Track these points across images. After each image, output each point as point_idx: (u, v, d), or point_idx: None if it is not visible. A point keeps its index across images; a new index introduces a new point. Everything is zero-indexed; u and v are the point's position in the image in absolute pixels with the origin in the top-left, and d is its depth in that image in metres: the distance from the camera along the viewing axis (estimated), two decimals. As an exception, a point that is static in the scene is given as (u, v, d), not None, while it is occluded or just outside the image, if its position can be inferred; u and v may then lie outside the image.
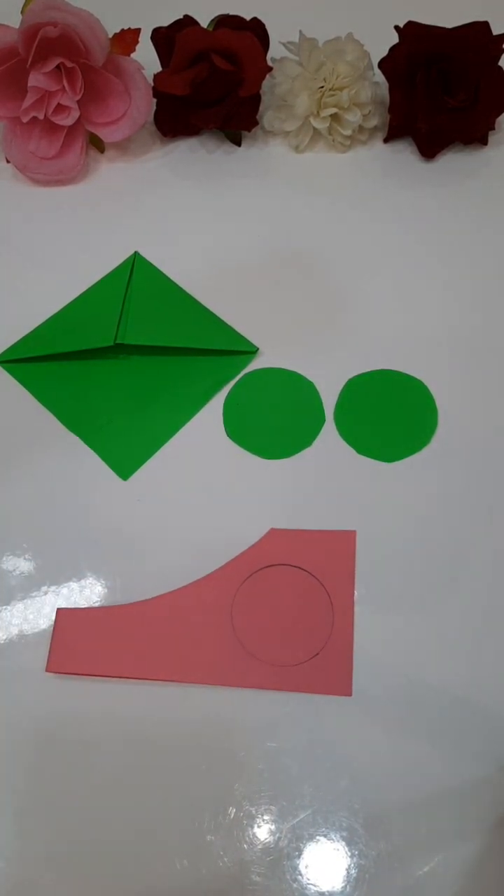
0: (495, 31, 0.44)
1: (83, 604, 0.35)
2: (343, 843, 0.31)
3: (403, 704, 0.33)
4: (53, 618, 0.35)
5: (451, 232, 0.45)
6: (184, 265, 0.44)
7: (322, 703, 0.33)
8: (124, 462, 0.39)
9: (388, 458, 0.38)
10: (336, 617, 0.35)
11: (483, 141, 0.47)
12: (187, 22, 0.45)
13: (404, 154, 0.48)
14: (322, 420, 0.39)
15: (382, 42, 0.45)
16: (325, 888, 0.30)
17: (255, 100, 0.46)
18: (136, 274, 0.43)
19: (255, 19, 0.45)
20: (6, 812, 0.32)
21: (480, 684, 0.33)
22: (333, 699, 0.33)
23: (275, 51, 0.46)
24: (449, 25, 0.44)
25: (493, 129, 0.47)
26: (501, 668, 0.34)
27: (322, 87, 0.45)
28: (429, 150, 0.47)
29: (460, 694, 0.33)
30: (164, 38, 0.44)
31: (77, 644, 0.34)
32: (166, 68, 0.44)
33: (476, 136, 0.47)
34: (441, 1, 0.48)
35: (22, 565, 0.36)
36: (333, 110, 0.45)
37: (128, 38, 0.45)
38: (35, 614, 0.35)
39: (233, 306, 0.42)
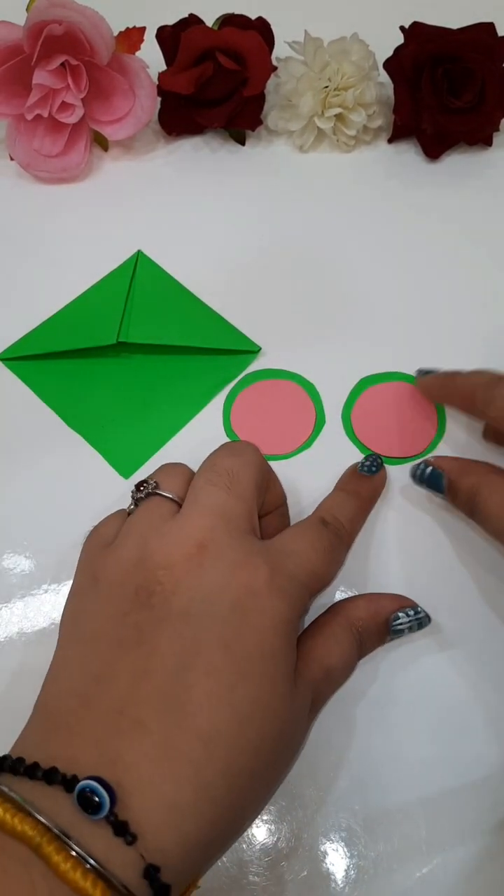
0: (501, 32, 0.44)
1: (84, 602, 0.35)
2: (342, 843, 0.31)
3: (403, 705, 0.33)
4: (53, 616, 0.35)
5: (455, 232, 0.45)
6: (187, 264, 0.44)
7: (322, 704, 0.33)
8: (126, 460, 0.39)
9: (393, 460, 0.38)
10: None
11: (487, 142, 0.47)
12: (192, 21, 0.45)
13: (408, 154, 0.48)
14: (322, 422, 0.39)
15: (388, 42, 0.45)
16: (323, 889, 0.30)
17: (260, 99, 0.46)
18: (139, 272, 0.43)
19: (260, 19, 0.45)
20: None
21: (481, 684, 0.33)
22: (333, 700, 0.33)
23: (280, 50, 0.46)
24: (455, 26, 0.44)
25: (498, 130, 0.47)
26: (502, 669, 0.34)
27: (327, 86, 0.45)
28: (433, 151, 0.47)
29: (461, 694, 0.33)
30: (170, 37, 0.44)
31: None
32: (171, 67, 0.44)
33: (481, 138, 0.47)
34: (447, 1, 0.48)
35: (22, 563, 0.36)
36: (338, 110, 0.45)
37: (133, 37, 0.45)
38: (35, 612, 0.35)
39: (235, 305, 0.42)
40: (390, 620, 0.32)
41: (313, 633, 0.30)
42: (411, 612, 0.32)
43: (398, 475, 0.37)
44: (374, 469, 0.36)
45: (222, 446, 0.33)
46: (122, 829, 0.22)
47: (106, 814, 0.22)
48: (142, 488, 0.31)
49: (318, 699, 0.29)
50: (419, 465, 0.35)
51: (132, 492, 0.32)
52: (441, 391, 0.38)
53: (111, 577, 0.29)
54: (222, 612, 0.26)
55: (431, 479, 0.34)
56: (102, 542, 0.31)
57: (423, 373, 0.38)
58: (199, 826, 0.23)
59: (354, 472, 0.36)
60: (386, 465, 0.37)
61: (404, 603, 0.32)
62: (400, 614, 0.32)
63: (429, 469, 0.34)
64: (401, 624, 0.32)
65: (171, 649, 0.25)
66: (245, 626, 0.26)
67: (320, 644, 0.30)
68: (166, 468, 0.33)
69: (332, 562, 0.31)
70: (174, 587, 0.27)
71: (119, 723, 0.24)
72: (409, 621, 0.32)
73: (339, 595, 0.35)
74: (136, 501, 0.31)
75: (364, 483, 0.36)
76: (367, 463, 0.36)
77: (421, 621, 0.32)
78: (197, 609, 0.26)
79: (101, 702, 0.25)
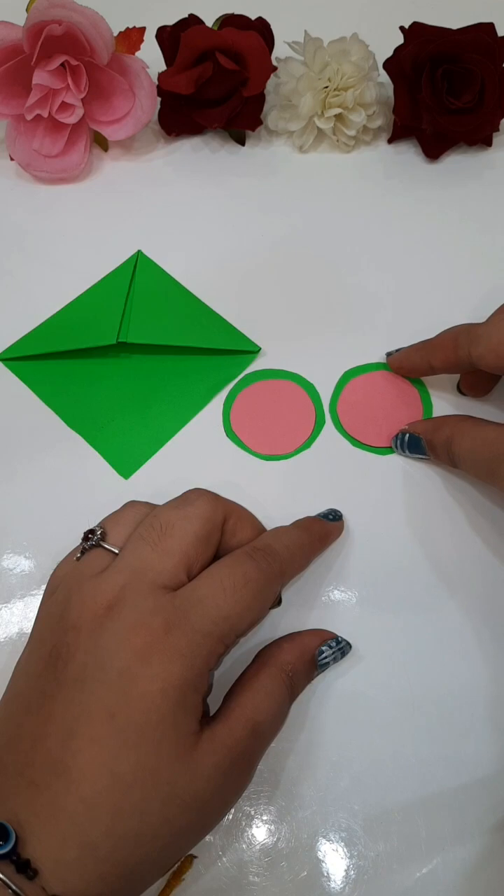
0: (501, 32, 0.44)
1: (83, 602, 0.35)
2: (342, 844, 0.31)
3: (403, 704, 0.33)
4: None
5: (454, 233, 0.45)
6: (187, 264, 0.44)
7: (322, 704, 0.33)
8: (126, 461, 0.39)
9: (382, 451, 0.38)
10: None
11: (487, 142, 0.47)
12: (192, 21, 0.45)
13: (408, 155, 0.48)
14: (322, 422, 0.39)
15: (388, 42, 0.45)
16: (323, 889, 0.30)
17: (260, 99, 0.46)
18: (138, 272, 0.43)
19: (260, 19, 0.45)
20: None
21: (481, 685, 0.33)
22: (333, 700, 0.33)
23: (280, 50, 0.46)
24: (455, 26, 0.44)
25: (498, 130, 0.47)
26: (502, 669, 0.34)
27: (327, 87, 0.45)
28: (433, 151, 0.47)
29: (460, 694, 0.33)
30: (169, 37, 0.44)
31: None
32: (171, 67, 0.44)
33: (480, 138, 0.47)
34: (447, 1, 0.48)
35: (22, 563, 0.36)
36: (338, 110, 0.45)
37: (133, 37, 0.45)
38: (35, 612, 0.35)
39: (235, 305, 0.42)
40: (316, 656, 0.32)
41: (241, 689, 0.29)
42: (333, 644, 0.32)
43: (394, 463, 0.38)
44: (330, 517, 0.36)
45: (179, 495, 0.31)
46: (23, 866, 0.24)
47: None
48: (89, 537, 0.31)
49: (246, 755, 0.28)
50: (397, 436, 0.38)
51: (81, 539, 0.31)
52: (419, 355, 0.38)
53: (36, 633, 0.30)
54: (110, 680, 0.26)
55: (411, 443, 0.37)
56: (49, 590, 0.31)
57: (391, 353, 0.40)
58: (86, 881, 0.24)
59: (311, 516, 0.36)
60: (376, 454, 0.38)
61: (325, 636, 0.32)
62: (324, 648, 0.32)
63: (407, 436, 0.37)
64: (326, 658, 0.32)
65: (62, 716, 0.26)
66: (131, 694, 0.26)
67: (248, 700, 0.29)
68: (123, 512, 0.32)
69: (251, 597, 0.28)
70: (75, 651, 0.27)
71: (18, 783, 0.26)
72: (334, 652, 0.32)
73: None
74: (82, 551, 0.30)
75: (318, 523, 0.35)
76: (326, 512, 0.36)
77: (343, 650, 0.32)
78: (90, 675, 0.27)
79: (7, 763, 0.26)
